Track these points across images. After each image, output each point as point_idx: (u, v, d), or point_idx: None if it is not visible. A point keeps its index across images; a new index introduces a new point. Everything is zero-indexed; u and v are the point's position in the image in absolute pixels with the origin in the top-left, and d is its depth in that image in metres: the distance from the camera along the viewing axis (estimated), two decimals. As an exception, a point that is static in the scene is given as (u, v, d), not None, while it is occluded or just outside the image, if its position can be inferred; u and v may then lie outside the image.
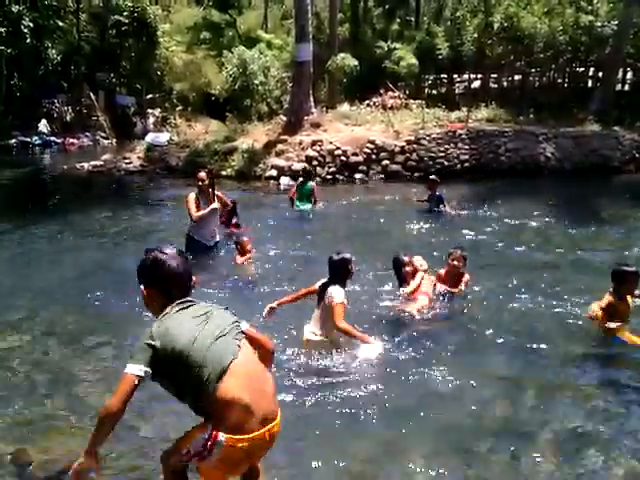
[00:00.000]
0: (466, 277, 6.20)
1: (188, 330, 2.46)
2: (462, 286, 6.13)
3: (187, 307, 2.58)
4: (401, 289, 5.98)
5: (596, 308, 5.06)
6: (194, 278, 2.77)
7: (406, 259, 6.11)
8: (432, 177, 11.46)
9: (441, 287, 6.16)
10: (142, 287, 2.69)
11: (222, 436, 2.36)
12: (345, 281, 4.95)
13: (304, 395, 4.26)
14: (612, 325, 5.04)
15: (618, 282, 5.07)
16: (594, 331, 5.35)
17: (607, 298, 5.05)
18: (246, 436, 2.37)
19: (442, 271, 6.28)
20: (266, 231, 9.41)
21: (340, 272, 4.90)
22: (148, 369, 2.41)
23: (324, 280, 4.99)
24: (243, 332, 2.63)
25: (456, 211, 10.91)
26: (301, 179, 11.36)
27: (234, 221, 8.66)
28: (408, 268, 6.06)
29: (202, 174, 7.15)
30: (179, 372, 2.42)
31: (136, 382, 2.40)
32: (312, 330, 4.85)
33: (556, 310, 5.95)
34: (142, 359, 2.42)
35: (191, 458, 2.48)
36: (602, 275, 7.06)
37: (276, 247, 8.18)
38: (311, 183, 11.01)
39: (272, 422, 2.47)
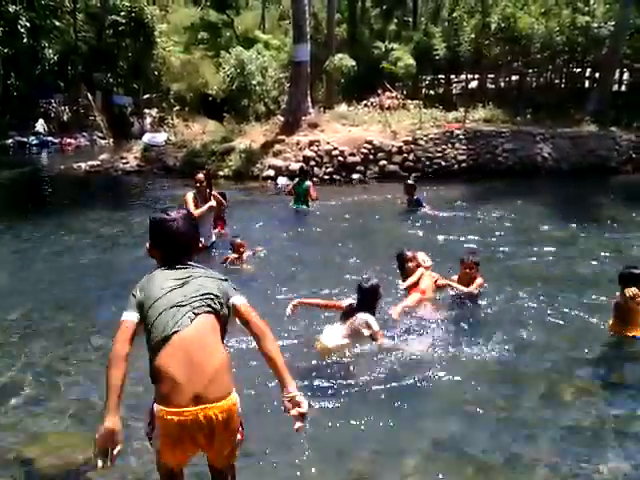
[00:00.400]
0: (479, 280, 6.06)
1: (156, 291, 2.49)
2: (473, 288, 5.98)
3: (174, 269, 2.59)
4: (400, 282, 6.02)
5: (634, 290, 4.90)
6: (202, 241, 2.81)
7: (410, 254, 6.13)
8: (409, 181, 11.45)
9: (444, 282, 6.09)
10: (147, 244, 2.74)
11: (156, 406, 2.36)
12: (375, 307, 5.01)
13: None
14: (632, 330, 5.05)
15: (627, 285, 5.01)
16: (596, 331, 5.38)
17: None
18: (174, 409, 2.29)
19: (454, 277, 6.20)
20: (263, 231, 9.41)
21: (368, 299, 4.97)
22: (137, 314, 2.48)
23: (352, 301, 5.06)
24: (212, 307, 2.50)
25: (434, 212, 10.76)
26: (297, 179, 11.36)
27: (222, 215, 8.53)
28: (411, 264, 6.08)
29: (200, 175, 7.17)
30: (145, 325, 2.48)
31: (127, 325, 2.47)
32: (334, 340, 4.86)
33: (552, 310, 5.96)
34: (130, 307, 2.51)
35: (149, 439, 2.45)
36: (602, 276, 7.11)
37: (272, 247, 8.18)
38: (307, 182, 11.01)
39: (208, 404, 2.32)
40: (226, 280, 2.67)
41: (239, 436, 2.51)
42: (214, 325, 2.50)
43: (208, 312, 2.50)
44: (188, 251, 2.69)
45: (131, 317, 2.48)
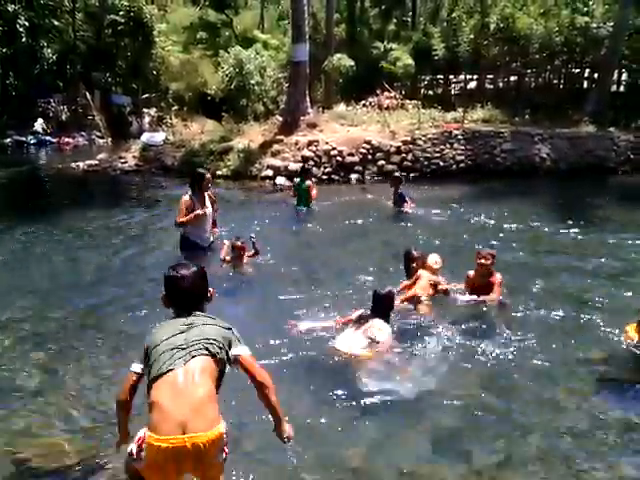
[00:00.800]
0: (498, 277, 5.89)
1: (162, 334, 2.80)
2: (496, 293, 5.82)
3: (182, 317, 2.89)
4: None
5: None
6: (211, 291, 3.10)
7: (416, 254, 6.07)
8: (395, 174, 11.44)
9: (445, 287, 6.01)
10: (163, 294, 3.04)
11: (146, 433, 2.56)
12: (389, 315, 5.04)
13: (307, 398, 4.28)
14: None
15: None
16: (606, 337, 5.36)
17: None
18: (162, 437, 2.49)
19: (471, 273, 6.06)
20: (261, 232, 9.39)
21: (384, 305, 5.01)
22: (142, 366, 2.80)
23: (362, 311, 5.10)
24: (209, 350, 2.74)
25: (411, 210, 10.76)
26: (296, 179, 11.35)
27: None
28: (415, 264, 6.04)
29: (209, 176, 7.28)
30: (147, 364, 2.77)
31: (134, 377, 2.81)
32: (350, 347, 4.86)
33: (552, 313, 5.95)
34: (138, 358, 2.84)
35: (132, 457, 2.63)
36: (601, 278, 7.10)
37: (270, 247, 8.15)
38: (307, 182, 11.01)
39: (195, 433, 2.51)
40: (230, 329, 2.91)
41: (224, 454, 2.66)
42: (208, 365, 2.73)
43: (205, 355, 2.73)
44: (196, 303, 2.99)
45: (135, 369, 2.81)
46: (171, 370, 2.64)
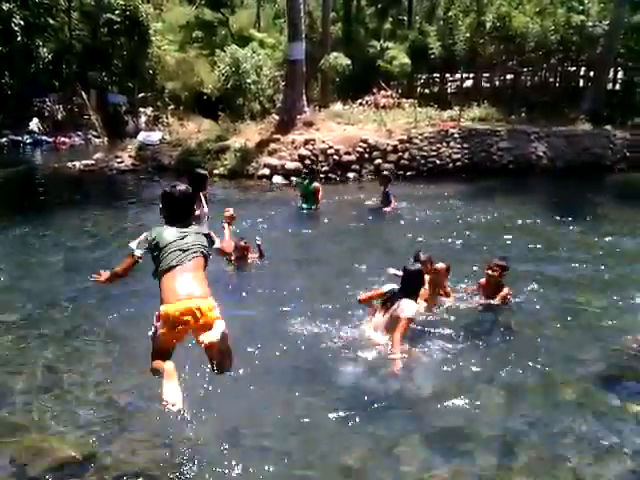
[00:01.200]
0: (504, 290, 5.90)
1: (169, 237, 3.71)
2: (498, 300, 5.87)
3: (174, 225, 3.79)
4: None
5: None
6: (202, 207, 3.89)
7: (423, 258, 6.06)
8: (384, 173, 11.44)
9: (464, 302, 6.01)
10: (160, 205, 3.93)
11: (161, 308, 3.50)
12: (417, 294, 5.08)
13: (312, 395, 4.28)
14: None
15: None
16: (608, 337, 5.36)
17: None
18: (174, 300, 3.48)
19: (482, 280, 6.10)
20: (260, 231, 9.39)
21: (412, 283, 5.06)
22: (142, 252, 3.76)
23: (393, 286, 5.13)
24: (202, 252, 3.75)
25: (393, 211, 10.77)
26: (294, 178, 11.37)
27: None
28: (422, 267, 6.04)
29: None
30: (155, 257, 3.72)
31: (132, 260, 3.80)
32: (376, 334, 4.96)
33: (549, 315, 5.96)
34: (140, 245, 3.77)
35: (154, 334, 3.53)
36: (597, 278, 7.10)
37: (271, 247, 8.14)
38: (315, 183, 11.08)
39: (196, 298, 3.51)
40: (206, 238, 3.89)
41: (225, 328, 3.50)
42: (202, 262, 3.76)
43: (200, 255, 3.73)
44: (185, 214, 3.90)
45: (137, 253, 3.76)
46: (178, 265, 3.59)
